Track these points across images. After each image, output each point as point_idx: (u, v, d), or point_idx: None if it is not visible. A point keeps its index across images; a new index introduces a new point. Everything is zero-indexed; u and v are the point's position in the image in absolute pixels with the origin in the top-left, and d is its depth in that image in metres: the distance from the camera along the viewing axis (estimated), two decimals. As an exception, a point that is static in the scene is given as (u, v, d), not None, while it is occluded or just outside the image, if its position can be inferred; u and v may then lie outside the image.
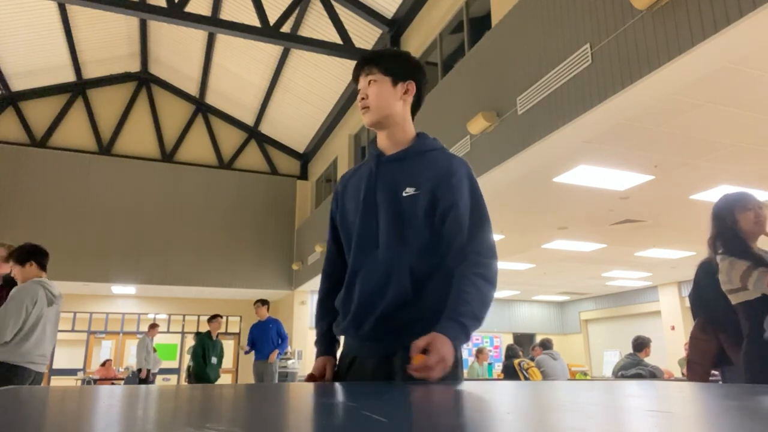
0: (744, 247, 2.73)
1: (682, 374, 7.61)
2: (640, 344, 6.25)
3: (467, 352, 13.31)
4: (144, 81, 13.82)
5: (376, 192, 1.50)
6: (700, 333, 3.27)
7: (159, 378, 12.38)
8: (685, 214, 7.26)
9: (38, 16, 10.47)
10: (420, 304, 1.36)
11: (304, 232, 13.21)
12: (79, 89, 13.15)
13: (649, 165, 5.65)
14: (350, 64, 10.11)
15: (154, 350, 9.91)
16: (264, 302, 7.61)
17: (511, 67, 5.50)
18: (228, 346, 12.15)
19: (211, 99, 14.04)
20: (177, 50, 12.53)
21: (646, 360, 6.23)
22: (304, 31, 9.60)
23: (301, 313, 13.44)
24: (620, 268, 11.49)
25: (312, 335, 13.87)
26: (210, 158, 14.02)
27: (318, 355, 1.56)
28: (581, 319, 16.23)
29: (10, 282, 3.83)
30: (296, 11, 8.80)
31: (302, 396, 0.89)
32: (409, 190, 1.45)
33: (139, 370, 9.34)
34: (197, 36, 11.38)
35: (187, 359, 10.17)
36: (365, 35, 9.32)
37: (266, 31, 7.40)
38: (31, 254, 3.56)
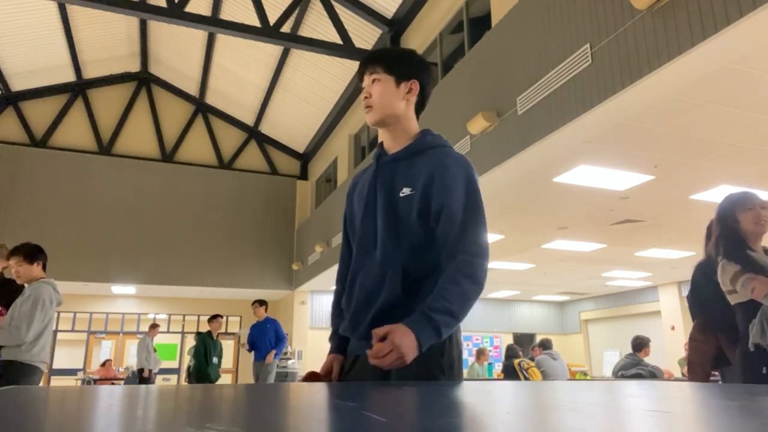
0: (738, 249, 2.72)
1: (682, 374, 7.61)
2: (639, 344, 6.25)
3: (467, 352, 13.32)
4: (144, 81, 13.82)
5: (377, 193, 1.50)
6: (699, 334, 3.27)
7: (159, 378, 12.38)
8: (685, 214, 7.26)
9: (38, 16, 10.47)
10: (414, 304, 1.35)
11: (304, 232, 13.21)
12: (79, 89, 13.15)
13: (649, 165, 5.65)
14: (350, 64, 10.19)
15: (155, 350, 9.91)
16: (262, 303, 7.60)
17: (511, 67, 5.50)
18: (228, 346, 12.17)
19: (211, 99, 14.04)
20: (177, 50, 12.53)
21: (646, 360, 6.23)
22: (304, 31, 9.60)
23: (301, 313, 13.45)
24: (620, 268, 11.49)
25: (312, 335, 13.95)
26: (210, 158, 14.02)
27: (328, 353, 1.58)
28: (581, 319, 16.23)
29: (3, 282, 3.84)
30: (296, 11, 8.80)
31: (302, 396, 0.89)
32: (406, 191, 1.44)
33: (141, 370, 9.34)
34: (197, 36, 11.38)
35: (187, 359, 10.18)
36: (365, 35, 9.32)
37: (266, 31, 7.40)
38: (39, 253, 3.57)
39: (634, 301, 14.32)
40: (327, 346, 1.64)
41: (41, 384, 4.51)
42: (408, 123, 1.54)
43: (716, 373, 3.39)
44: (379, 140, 1.61)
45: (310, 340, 13.17)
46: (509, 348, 7.44)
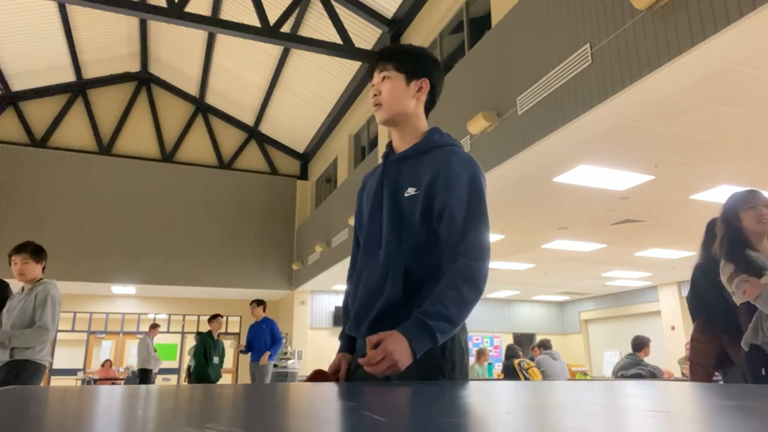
0: (737, 249, 2.72)
1: (682, 374, 7.61)
2: (639, 344, 6.25)
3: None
4: (144, 81, 13.82)
5: (383, 192, 1.49)
6: (700, 335, 3.27)
7: (159, 378, 12.38)
8: (685, 214, 7.26)
9: (38, 16, 10.47)
10: (415, 304, 1.34)
11: (304, 232, 13.21)
12: (79, 89, 13.15)
13: (649, 165, 5.65)
14: (350, 64, 10.19)
15: (155, 350, 9.91)
16: (260, 302, 7.56)
17: (511, 67, 5.50)
18: (227, 346, 12.16)
19: (211, 99, 14.04)
20: (177, 50, 12.53)
21: (646, 360, 6.24)
22: (304, 31, 9.60)
23: (301, 313, 13.45)
24: (620, 268, 11.50)
25: (312, 335, 13.94)
26: (210, 158, 14.02)
27: (337, 351, 1.57)
28: (581, 319, 16.23)
29: None
30: (296, 11, 8.80)
31: (302, 396, 0.89)
32: (411, 191, 1.43)
33: (141, 370, 9.34)
34: (197, 36, 11.38)
35: (187, 359, 10.18)
36: (365, 35, 9.32)
37: (266, 31, 7.39)
38: (44, 253, 3.57)
39: (634, 301, 14.32)
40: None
41: (41, 384, 4.51)
42: (417, 122, 1.52)
43: (717, 373, 3.39)
44: (389, 139, 1.61)
45: (310, 340, 13.17)
46: (509, 348, 7.44)
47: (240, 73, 12.21)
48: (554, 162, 5.49)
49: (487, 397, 0.89)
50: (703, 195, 6.49)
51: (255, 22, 7.59)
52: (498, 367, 11.20)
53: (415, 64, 1.52)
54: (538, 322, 16.45)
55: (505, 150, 5.33)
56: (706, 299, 3.22)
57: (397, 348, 1.21)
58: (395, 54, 1.52)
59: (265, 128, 14.23)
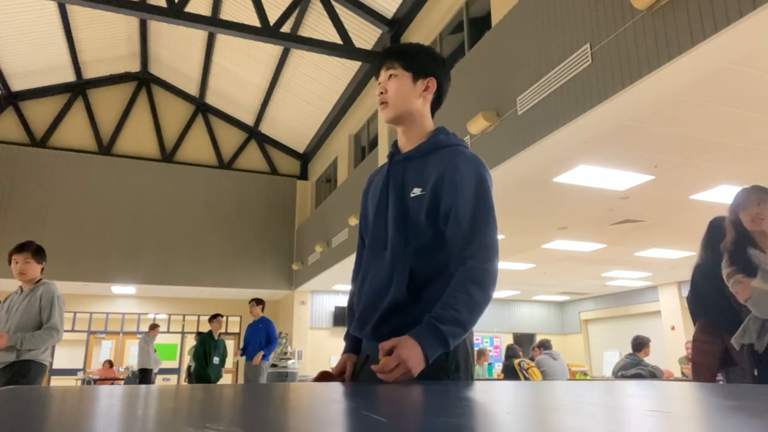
0: (737, 248, 2.72)
1: (683, 374, 7.61)
2: (639, 344, 6.25)
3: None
4: (144, 81, 13.82)
5: (389, 192, 1.48)
6: (702, 335, 3.26)
7: (159, 378, 12.39)
8: (685, 214, 7.26)
9: (38, 16, 10.47)
10: (419, 306, 1.33)
11: (304, 232, 13.21)
12: (79, 89, 13.15)
13: (649, 165, 5.65)
14: (350, 64, 10.19)
15: (155, 350, 9.91)
16: (259, 301, 7.47)
17: (511, 67, 5.50)
18: (227, 346, 12.16)
19: (211, 99, 14.04)
20: (177, 50, 12.53)
21: (646, 360, 6.24)
22: (304, 31, 9.60)
23: (301, 313, 13.45)
24: (620, 268, 11.50)
25: (312, 335, 13.93)
26: (210, 158, 14.02)
27: (342, 352, 1.57)
28: (581, 319, 16.23)
29: None
30: (296, 11, 8.80)
31: (302, 396, 0.89)
32: (416, 191, 1.42)
33: (142, 370, 9.34)
34: (197, 36, 11.38)
35: (187, 359, 10.18)
36: (365, 35, 9.32)
37: (266, 31, 7.39)
38: (44, 254, 3.58)
39: (634, 301, 14.32)
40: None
41: (42, 384, 4.52)
42: (423, 121, 1.51)
43: (719, 373, 3.38)
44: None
45: (311, 340, 13.17)
46: (509, 348, 7.44)
47: (240, 73, 12.21)
48: (554, 162, 5.48)
49: (487, 397, 0.89)
50: (703, 195, 6.49)
51: (255, 22, 7.59)
52: (498, 367, 11.20)
53: (423, 62, 1.51)
54: (538, 322, 16.45)
55: (505, 150, 5.33)
56: (706, 299, 3.22)
57: (411, 355, 1.20)
58: (402, 52, 1.51)
59: (265, 128, 14.23)
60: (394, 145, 1.57)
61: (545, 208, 7.15)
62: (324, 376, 1.52)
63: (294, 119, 13.17)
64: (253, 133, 14.43)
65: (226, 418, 0.59)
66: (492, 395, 0.93)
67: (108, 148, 13.14)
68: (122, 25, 11.57)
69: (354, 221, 9.19)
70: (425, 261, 1.40)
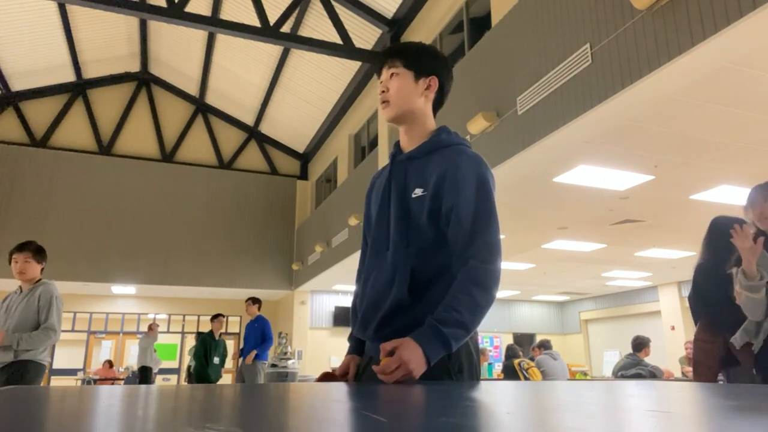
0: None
1: (683, 374, 7.61)
2: (639, 344, 6.25)
3: (467, 352, 13.27)
4: (144, 81, 13.83)
5: (390, 193, 1.48)
6: (705, 335, 3.25)
7: (159, 378, 12.39)
8: (685, 214, 7.26)
9: (38, 16, 10.47)
10: (420, 307, 1.33)
11: (304, 232, 13.21)
12: (79, 89, 13.15)
13: (649, 165, 5.65)
14: (350, 64, 10.19)
15: (154, 350, 9.91)
16: (255, 300, 7.39)
17: (511, 67, 5.50)
18: (227, 346, 12.16)
19: (211, 99, 14.04)
20: (177, 50, 12.53)
21: (646, 360, 6.24)
22: (304, 31, 9.60)
23: (301, 313, 13.45)
24: (620, 268, 11.50)
25: (312, 335, 13.92)
26: (210, 158, 14.02)
27: (346, 353, 1.57)
28: (581, 319, 16.24)
29: None
30: (296, 11, 8.80)
31: (302, 396, 0.89)
32: (418, 191, 1.41)
33: (141, 369, 9.33)
34: (197, 36, 11.38)
35: (187, 359, 10.18)
36: (365, 35, 9.32)
37: (266, 31, 7.39)
38: (45, 254, 3.58)
39: (634, 301, 14.32)
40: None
41: (41, 384, 4.52)
42: (425, 120, 1.50)
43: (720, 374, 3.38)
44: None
45: (311, 340, 13.17)
46: (509, 348, 7.43)
47: (240, 73, 12.21)
48: (554, 162, 5.49)
49: (487, 397, 0.89)
50: (703, 195, 6.49)
51: (255, 22, 7.59)
52: (498, 367, 11.20)
53: (425, 61, 1.50)
54: (538, 322, 16.45)
55: (505, 150, 5.33)
56: (708, 299, 3.21)
57: (411, 357, 1.19)
58: (405, 51, 1.51)
59: (265, 128, 14.23)
60: (396, 146, 1.56)
61: (545, 208, 7.15)
62: (326, 377, 1.51)
63: (294, 119, 13.17)
64: (253, 133, 14.43)
65: (226, 418, 0.59)
66: (492, 395, 0.93)
67: (108, 148, 13.14)
68: (122, 25, 11.57)
69: (354, 221, 9.20)
70: (427, 262, 1.39)
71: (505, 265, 10.58)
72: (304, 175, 14.67)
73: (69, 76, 12.80)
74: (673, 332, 12.57)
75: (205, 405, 0.74)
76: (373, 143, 10.20)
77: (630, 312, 14.53)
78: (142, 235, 12.49)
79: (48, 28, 10.86)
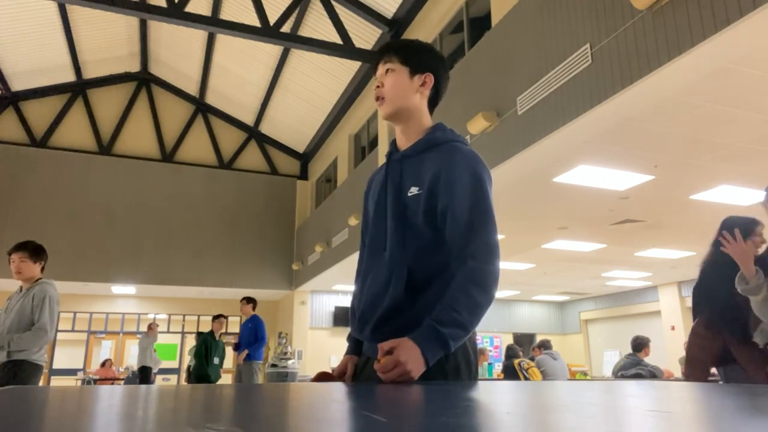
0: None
1: (682, 374, 7.61)
2: (639, 344, 6.25)
3: (467, 352, 13.28)
4: (144, 81, 13.83)
5: (387, 193, 1.47)
6: (704, 330, 3.24)
7: (159, 378, 12.38)
8: (685, 214, 7.26)
9: (38, 16, 10.47)
10: (418, 307, 1.32)
11: (304, 232, 13.21)
12: (79, 89, 13.15)
13: (649, 165, 5.65)
14: (350, 64, 10.19)
15: (154, 350, 9.91)
16: (249, 300, 7.39)
17: (511, 67, 5.50)
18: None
19: (211, 99, 14.04)
20: (177, 50, 12.53)
21: (646, 360, 6.24)
22: (304, 31, 9.60)
23: (301, 313, 13.45)
24: (620, 268, 11.50)
25: (312, 335, 13.91)
26: (210, 158, 14.02)
27: (345, 353, 1.57)
28: (581, 319, 16.24)
29: None
30: (296, 11, 8.80)
31: (302, 396, 0.89)
32: (413, 190, 1.40)
33: (141, 369, 9.33)
34: (197, 36, 11.38)
35: (187, 359, 10.17)
36: (365, 35, 9.32)
37: (266, 31, 7.39)
38: (43, 253, 3.57)
39: (634, 301, 14.32)
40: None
41: (41, 384, 4.53)
42: (421, 117, 1.49)
43: (714, 371, 3.38)
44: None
45: (311, 340, 13.17)
46: (509, 348, 7.43)
47: (240, 73, 12.21)
48: (554, 162, 5.48)
49: (487, 397, 0.89)
50: (703, 195, 6.49)
51: (255, 22, 7.59)
52: (498, 367, 11.21)
53: (420, 57, 1.49)
54: (538, 322, 16.46)
55: (505, 150, 5.33)
56: (714, 291, 3.18)
57: (409, 357, 1.18)
58: (400, 47, 1.50)
59: (265, 128, 14.23)
60: (392, 144, 1.55)
61: (545, 208, 7.15)
62: (323, 377, 1.51)
63: (294, 119, 13.17)
64: (253, 133, 14.43)
65: (226, 418, 0.59)
66: (492, 395, 0.93)
67: (108, 148, 13.14)
68: (122, 25, 11.57)
69: (354, 221, 9.20)
70: (424, 261, 1.38)
71: (505, 265, 10.58)
72: (304, 175, 14.67)
73: (69, 76, 12.80)
74: (673, 332, 12.57)
75: (205, 405, 0.74)
76: (373, 143, 10.20)
77: (630, 312, 14.53)
78: (142, 235, 12.49)
79: (48, 28, 10.86)
